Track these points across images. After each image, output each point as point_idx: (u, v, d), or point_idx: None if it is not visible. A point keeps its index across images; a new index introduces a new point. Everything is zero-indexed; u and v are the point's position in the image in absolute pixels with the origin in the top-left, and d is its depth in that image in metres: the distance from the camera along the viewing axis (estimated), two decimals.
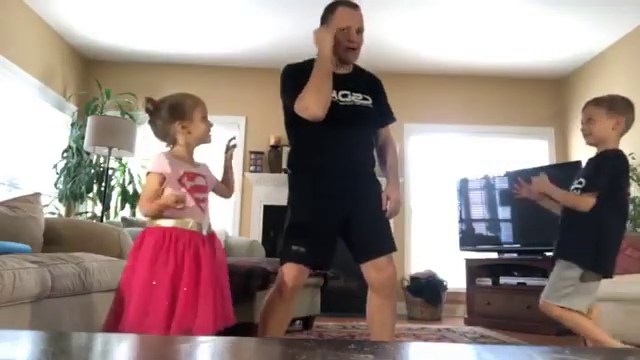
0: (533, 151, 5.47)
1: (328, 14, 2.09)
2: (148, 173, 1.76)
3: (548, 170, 4.63)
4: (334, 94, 2.02)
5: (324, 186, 1.99)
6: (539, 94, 5.53)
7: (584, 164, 2.23)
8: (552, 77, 5.47)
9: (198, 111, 1.84)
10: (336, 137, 2.01)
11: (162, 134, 1.84)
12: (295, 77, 2.01)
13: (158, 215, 1.73)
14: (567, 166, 4.39)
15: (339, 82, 2.04)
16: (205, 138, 1.87)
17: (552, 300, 2.10)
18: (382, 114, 2.21)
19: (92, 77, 5.16)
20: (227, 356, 0.75)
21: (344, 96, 2.05)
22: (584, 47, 4.77)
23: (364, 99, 2.10)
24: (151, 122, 1.85)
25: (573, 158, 5.04)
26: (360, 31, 2.08)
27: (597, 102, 2.14)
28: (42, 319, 2.04)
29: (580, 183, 2.10)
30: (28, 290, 1.90)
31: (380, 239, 2.04)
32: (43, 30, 4.49)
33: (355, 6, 2.09)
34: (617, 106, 2.11)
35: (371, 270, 2.03)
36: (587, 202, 2.04)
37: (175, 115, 1.81)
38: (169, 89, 6.11)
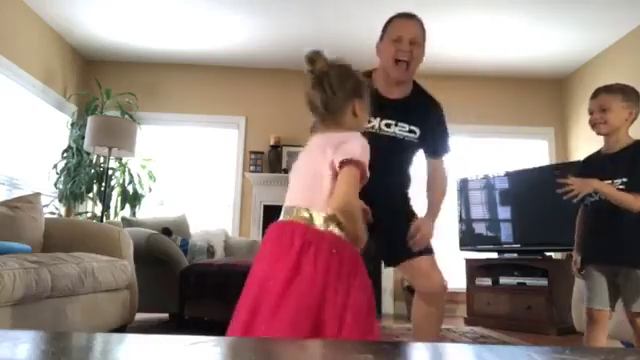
0: (533, 151, 5.47)
1: (385, 28, 2.01)
2: (351, 161, 1.35)
3: (548, 170, 4.65)
4: (377, 122, 1.92)
5: None
6: (539, 94, 5.53)
7: (605, 160, 2.02)
8: (552, 77, 5.47)
9: (367, 95, 1.50)
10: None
11: (333, 108, 1.44)
12: None
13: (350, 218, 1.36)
14: (567, 166, 4.38)
15: (387, 109, 1.92)
16: (360, 129, 1.49)
17: None
18: (432, 146, 2.08)
19: (92, 77, 5.16)
20: (226, 356, 0.75)
21: (387, 125, 1.96)
22: (584, 47, 4.76)
23: (410, 131, 1.99)
24: (322, 87, 1.42)
25: (573, 158, 5.04)
26: (414, 42, 1.93)
27: (610, 90, 2.02)
28: (42, 319, 2.04)
29: (623, 183, 1.90)
30: (28, 290, 1.90)
31: (407, 243, 1.96)
32: (43, 30, 4.49)
33: (411, 17, 1.97)
34: (631, 97, 2.00)
35: (413, 275, 2.02)
36: None
37: (357, 92, 1.46)
38: (169, 89, 6.09)
